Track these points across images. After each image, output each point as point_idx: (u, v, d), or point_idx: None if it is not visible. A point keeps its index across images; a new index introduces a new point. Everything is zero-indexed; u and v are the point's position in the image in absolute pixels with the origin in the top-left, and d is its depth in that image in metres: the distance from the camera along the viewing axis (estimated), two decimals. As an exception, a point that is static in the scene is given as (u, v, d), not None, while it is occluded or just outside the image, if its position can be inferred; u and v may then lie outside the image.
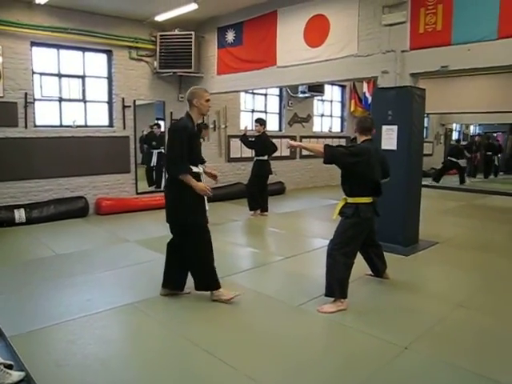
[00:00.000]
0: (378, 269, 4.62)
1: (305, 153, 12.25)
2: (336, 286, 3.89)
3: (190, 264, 4.05)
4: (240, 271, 5.02)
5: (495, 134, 19.20)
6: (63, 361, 2.97)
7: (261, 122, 8.33)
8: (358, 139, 4.10)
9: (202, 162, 4.12)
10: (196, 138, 4.07)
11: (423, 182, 6.67)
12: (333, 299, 3.91)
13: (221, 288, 4.06)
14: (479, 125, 20.32)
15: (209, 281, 4.04)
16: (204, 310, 3.94)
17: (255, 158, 8.38)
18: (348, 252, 3.92)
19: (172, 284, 4.18)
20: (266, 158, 8.31)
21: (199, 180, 3.89)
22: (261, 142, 8.26)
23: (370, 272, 4.69)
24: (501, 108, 12.56)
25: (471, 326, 3.66)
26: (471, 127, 20.79)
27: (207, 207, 3.97)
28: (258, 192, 8.27)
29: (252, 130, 8.98)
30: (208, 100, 3.97)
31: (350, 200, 3.94)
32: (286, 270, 5.12)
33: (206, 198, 3.92)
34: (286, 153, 11.80)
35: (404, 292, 4.40)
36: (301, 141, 12.26)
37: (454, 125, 19.21)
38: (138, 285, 4.53)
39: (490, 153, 16.41)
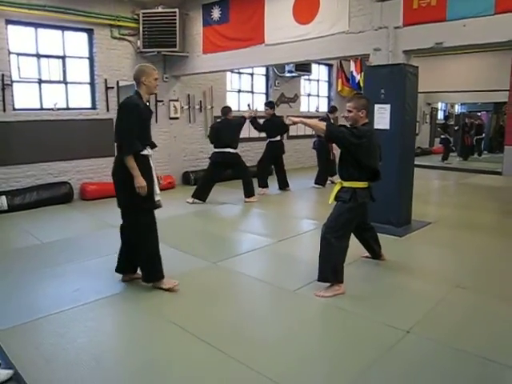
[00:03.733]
0: (376, 251, 4.56)
1: (292, 133, 12.08)
2: (329, 271, 3.78)
3: (134, 250, 3.88)
4: (232, 256, 4.86)
5: (479, 114, 19.25)
6: (53, 356, 2.81)
7: (271, 106, 8.79)
8: (357, 121, 3.81)
9: (153, 146, 3.89)
10: (148, 118, 3.88)
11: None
12: (329, 284, 3.81)
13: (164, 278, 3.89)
14: (464, 104, 20.34)
15: (151, 269, 3.87)
16: (197, 295, 3.81)
17: (268, 140, 8.79)
18: (341, 236, 3.81)
19: (130, 268, 4.04)
20: (278, 138, 8.74)
21: (148, 163, 3.74)
22: (273, 125, 8.64)
23: (366, 254, 4.62)
24: (486, 87, 12.56)
25: (470, 306, 3.60)
26: (456, 106, 20.81)
27: (158, 191, 3.82)
28: (268, 171, 8.90)
29: (252, 110, 8.81)
30: (156, 79, 3.83)
31: (346, 184, 3.82)
32: (280, 253, 4.99)
33: (156, 180, 3.80)
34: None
35: (401, 273, 4.32)
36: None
37: (440, 104, 19.19)
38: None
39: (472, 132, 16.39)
